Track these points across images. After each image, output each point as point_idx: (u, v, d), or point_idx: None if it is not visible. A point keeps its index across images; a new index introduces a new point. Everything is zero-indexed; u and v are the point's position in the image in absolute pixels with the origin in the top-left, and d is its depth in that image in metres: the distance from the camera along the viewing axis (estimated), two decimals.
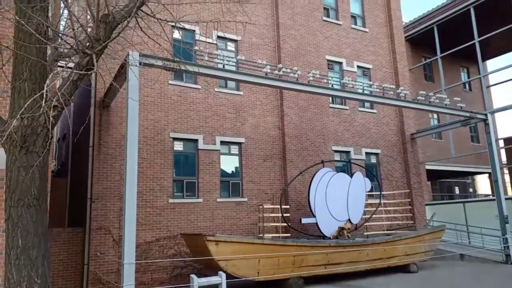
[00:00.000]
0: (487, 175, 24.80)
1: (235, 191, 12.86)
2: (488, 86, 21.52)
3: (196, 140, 12.42)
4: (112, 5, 5.66)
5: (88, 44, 5.08)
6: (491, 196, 22.48)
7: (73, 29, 4.93)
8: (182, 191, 12.00)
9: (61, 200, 13.63)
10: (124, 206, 7.98)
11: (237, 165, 13.15)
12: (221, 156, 12.82)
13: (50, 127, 4.73)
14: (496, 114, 23.57)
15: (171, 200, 11.57)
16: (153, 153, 11.60)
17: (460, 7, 19.09)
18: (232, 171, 13.12)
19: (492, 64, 67.67)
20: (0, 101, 7.20)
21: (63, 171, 15.69)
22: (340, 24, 16.56)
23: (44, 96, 4.39)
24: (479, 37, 18.13)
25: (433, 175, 22.19)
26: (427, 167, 19.89)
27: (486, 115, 15.00)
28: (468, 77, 24.90)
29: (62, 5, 6.86)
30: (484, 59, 23.04)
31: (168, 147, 11.91)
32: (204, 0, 10.50)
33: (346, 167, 15.33)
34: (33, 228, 5.00)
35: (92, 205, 10.47)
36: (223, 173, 12.83)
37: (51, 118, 4.62)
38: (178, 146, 12.21)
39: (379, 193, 14.10)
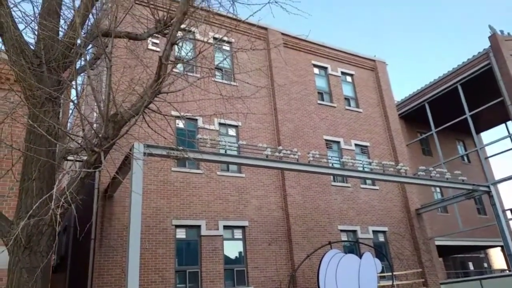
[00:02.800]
0: (500, 248, 23.93)
1: (240, 280, 12.30)
2: (487, 158, 21.73)
3: (198, 226, 12.20)
4: (119, 103, 5.98)
5: (96, 142, 5.25)
6: (507, 271, 21.47)
7: (83, 130, 5.13)
8: (185, 282, 11.48)
9: None
10: None
11: (241, 250, 12.76)
12: (225, 242, 12.49)
13: (56, 226, 4.69)
14: (500, 185, 23.46)
15: None
16: (155, 243, 11.33)
17: (448, 84, 20.02)
18: (236, 257, 12.69)
19: (487, 135, 69.14)
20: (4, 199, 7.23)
21: (63, 265, 15.13)
22: (335, 106, 17.28)
23: (53, 196, 4.43)
24: (470, 111, 18.79)
25: (444, 251, 21.37)
26: (437, 242, 19.24)
27: (488, 186, 14.96)
28: (465, 149, 25.25)
29: (71, 104, 7.23)
30: (478, 131, 23.59)
31: (171, 235, 11.66)
32: (207, 97, 11.07)
33: (354, 247, 14.86)
34: None
35: None
36: (227, 260, 12.39)
37: (58, 217, 4.60)
38: (181, 234, 11.96)
39: (390, 274, 13.51)
